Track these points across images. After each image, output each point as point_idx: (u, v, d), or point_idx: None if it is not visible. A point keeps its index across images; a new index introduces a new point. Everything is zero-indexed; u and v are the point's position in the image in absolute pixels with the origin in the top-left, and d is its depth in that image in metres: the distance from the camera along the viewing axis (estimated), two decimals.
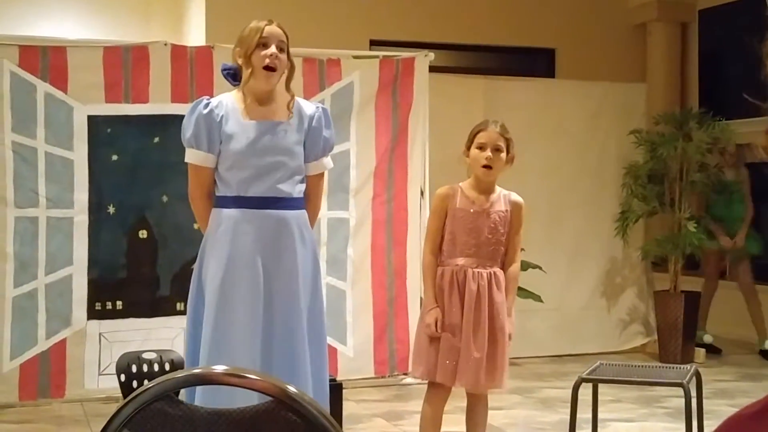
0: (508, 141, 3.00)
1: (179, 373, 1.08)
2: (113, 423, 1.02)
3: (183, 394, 2.45)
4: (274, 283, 2.67)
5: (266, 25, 2.71)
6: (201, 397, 2.43)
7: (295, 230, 2.71)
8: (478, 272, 2.93)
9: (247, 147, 2.67)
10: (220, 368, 1.09)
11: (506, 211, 2.98)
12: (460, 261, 2.94)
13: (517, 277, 3.05)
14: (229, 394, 2.19)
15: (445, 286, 2.94)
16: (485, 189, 2.99)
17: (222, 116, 2.69)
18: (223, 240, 2.66)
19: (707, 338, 5.78)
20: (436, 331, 2.91)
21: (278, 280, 2.67)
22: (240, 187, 2.68)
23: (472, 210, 2.95)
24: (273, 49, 2.68)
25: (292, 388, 1.04)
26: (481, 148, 2.96)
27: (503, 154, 2.98)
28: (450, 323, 2.92)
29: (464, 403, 3.10)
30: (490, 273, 2.94)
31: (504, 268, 2.99)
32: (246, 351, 2.60)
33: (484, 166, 2.95)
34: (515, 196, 3.04)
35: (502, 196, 3.01)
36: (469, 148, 3.01)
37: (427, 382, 3.03)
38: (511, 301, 3.01)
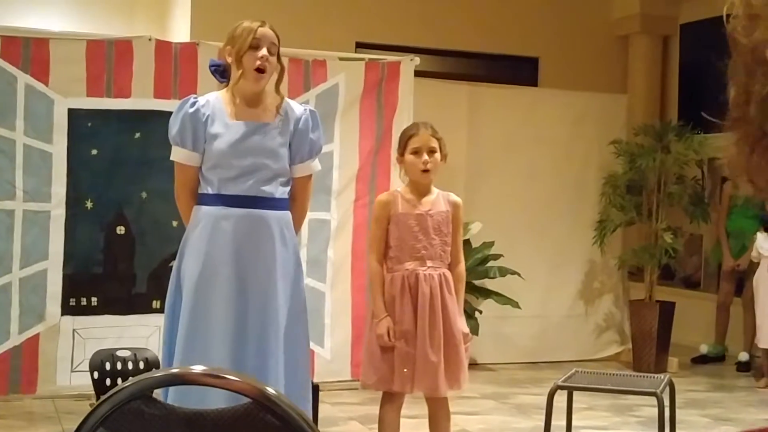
0: (439, 141, 3.02)
1: (157, 373, 1.07)
2: (88, 421, 1.01)
3: (157, 392, 2.44)
4: (249, 283, 2.65)
5: (259, 26, 2.70)
6: (173, 396, 2.42)
7: (276, 230, 2.69)
8: (429, 274, 2.93)
9: (230, 147, 2.66)
10: (198, 368, 1.08)
11: (447, 211, 3.00)
12: (410, 265, 2.94)
13: (463, 277, 3.05)
14: (201, 394, 2.18)
15: (396, 293, 2.93)
16: (424, 191, 3.01)
17: (208, 116, 2.68)
18: (201, 237, 2.65)
19: (703, 347, 5.74)
20: (390, 340, 2.88)
21: (254, 279, 2.66)
22: (221, 185, 2.67)
23: (415, 213, 2.96)
24: (264, 51, 2.68)
25: (270, 390, 1.04)
26: (416, 152, 2.97)
27: (437, 155, 3.00)
28: (402, 330, 2.91)
29: (426, 410, 3.07)
30: (441, 274, 2.95)
31: (450, 268, 3.00)
32: (218, 351, 2.58)
33: (424, 171, 2.96)
34: (453, 196, 3.06)
35: (441, 197, 3.03)
36: (402, 153, 3.02)
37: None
38: (460, 301, 3.01)
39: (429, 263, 2.94)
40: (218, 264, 2.63)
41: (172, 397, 2.41)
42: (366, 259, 4.80)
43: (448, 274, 2.97)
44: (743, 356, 5.60)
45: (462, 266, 3.04)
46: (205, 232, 2.65)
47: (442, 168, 3.06)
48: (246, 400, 1.05)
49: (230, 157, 2.66)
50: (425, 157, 2.95)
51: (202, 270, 2.62)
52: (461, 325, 2.97)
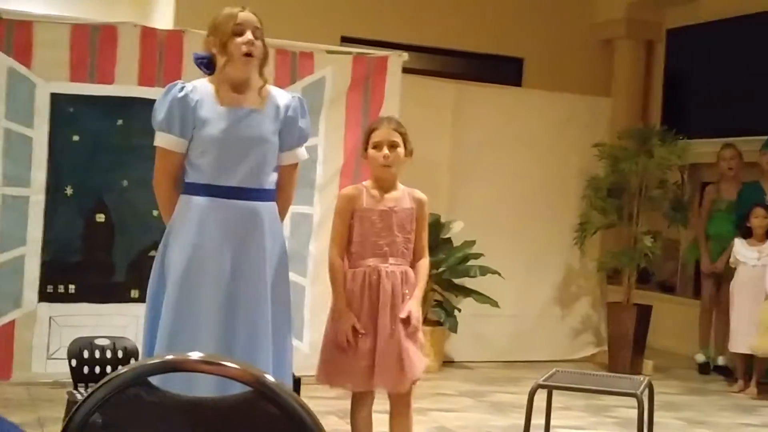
0: (403, 135, 2.98)
1: (154, 359, 1.05)
2: (84, 406, 0.99)
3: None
4: (239, 276, 2.62)
5: (239, 11, 2.66)
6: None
7: (266, 223, 2.67)
8: (391, 271, 2.90)
9: (221, 133, 2.62)
10: (196, 355, 1.06)
11: (412, 207, 2.97)
12: (372, 261, 2.90)
13: (426, 270, 3.02)
14: (189, 384, 2.15)
15: (356, 289, 2.90)
16: (388, 187, 2.98)
17: (197, 101, 2.64)
18: (189, 228, 2.61)
19: (699, 357, 5.72)
20: (352, 338, 2.84)
21: (244, 272, 2.63)
22: (212, 174, 2.63)
23: (379, 209, 2.93)
24: (249, 35, 2.64)
25: (270, 378, 1.02)
26: (377, 147, 2.94)
27: (401, 149, 2.96)
28: (361, 326, 2.87)
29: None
30: (402, 272, 2.93)
31: (413, 263, 2.97)
32: (206, 342, 2.55)
33: (383, 165, 2.93)
34: (419, 193, 3.03)
35: (407, 193, 3.00)
36: (366, 149, 2.99)
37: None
38: (419, 290, 2.96)
39: (391, 260, 2.91)
40: (207, 256, 2.60)
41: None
42: None
43: (410, 272, 2.95)
44: (721, 360, 5.65)
45: (426, 260, 3.01)
46: (193, 222, 2.60)
47: (408, 163, 3.01)
48: (238, 389, 1.03)
49: (220, 143, 2.62)
50: (385, 151, 2.92)
51: (189, 261, 2.58)
52: (417, 314, 2.92)
